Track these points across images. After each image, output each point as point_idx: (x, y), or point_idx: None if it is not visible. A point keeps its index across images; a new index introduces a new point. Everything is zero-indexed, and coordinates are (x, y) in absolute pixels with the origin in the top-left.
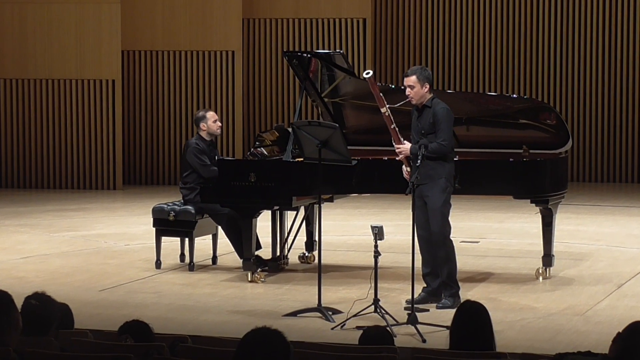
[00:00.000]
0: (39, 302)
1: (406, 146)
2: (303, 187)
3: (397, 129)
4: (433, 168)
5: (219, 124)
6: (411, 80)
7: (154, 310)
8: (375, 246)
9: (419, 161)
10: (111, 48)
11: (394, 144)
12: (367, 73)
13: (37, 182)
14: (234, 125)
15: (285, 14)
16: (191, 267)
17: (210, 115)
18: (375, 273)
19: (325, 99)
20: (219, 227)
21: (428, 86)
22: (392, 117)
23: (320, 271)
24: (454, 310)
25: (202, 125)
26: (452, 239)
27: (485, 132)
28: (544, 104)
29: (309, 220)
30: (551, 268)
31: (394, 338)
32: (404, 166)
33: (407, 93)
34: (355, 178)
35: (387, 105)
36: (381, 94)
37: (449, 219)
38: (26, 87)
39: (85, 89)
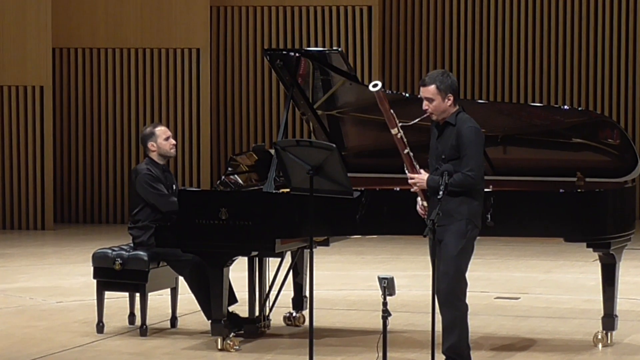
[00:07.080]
0: None
1: (422, 176)
2: (289, 227)
3: (411, 154)
4: (453, 206)
5: (173, 141)
6: (429, 90)
7: None
8: (384, 304)
9: (440, 193)
10: (39, 46)
11: (406, 172)
12: (375, 85)
13: None
14: (199, 145)
15: (266, 1)
16: (143, 330)
17: (161, 131)
18: (384, 338)
19: (319, 111)
20: (180, 279)
21: (452, 98)
22: (405, 140)
23: (312, 336)
24: None
25: (151, 144)
26: (469, 297)
27: (527, 154)
28: (605, 119)
29: (297, 270)
30: (614, 332)
31: None
32: (419, 199)
33: (424, 107)
34: (357, 215)
35: (400, 124)
36: (392, 111)
37: (467, 273)
38: None
39: (5, 98)
